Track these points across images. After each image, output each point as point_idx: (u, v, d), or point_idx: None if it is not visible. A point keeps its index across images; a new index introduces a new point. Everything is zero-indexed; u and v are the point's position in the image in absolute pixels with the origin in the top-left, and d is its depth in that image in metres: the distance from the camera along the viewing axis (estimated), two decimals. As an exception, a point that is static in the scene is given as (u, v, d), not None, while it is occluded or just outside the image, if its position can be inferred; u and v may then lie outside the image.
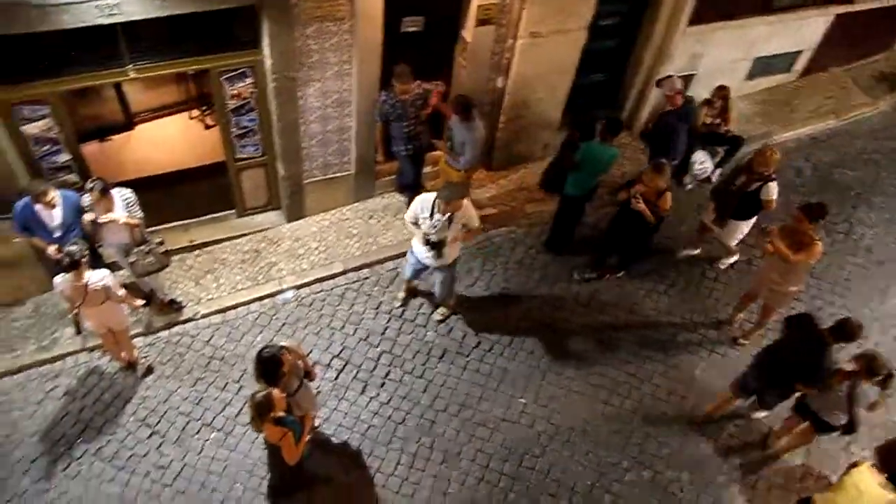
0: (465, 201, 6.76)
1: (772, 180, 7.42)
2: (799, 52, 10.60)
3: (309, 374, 6.14)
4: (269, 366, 5.50)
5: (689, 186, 9.48)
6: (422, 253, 7.19)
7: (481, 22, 7.77)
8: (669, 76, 8.44)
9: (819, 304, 8.45)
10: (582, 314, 8.22)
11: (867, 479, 5.56)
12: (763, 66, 10.42)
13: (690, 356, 7.94)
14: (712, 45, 9.60)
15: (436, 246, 6.95)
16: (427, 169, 8.77)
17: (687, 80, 9.73)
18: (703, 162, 9.37)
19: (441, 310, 8.04)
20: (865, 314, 8.25)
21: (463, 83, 8.29)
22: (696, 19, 9.04)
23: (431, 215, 6.76)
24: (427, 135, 8.14)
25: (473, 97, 7.79)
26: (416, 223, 6.96)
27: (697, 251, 8.85)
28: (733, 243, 8.35)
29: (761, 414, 7.39)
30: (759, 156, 7.36)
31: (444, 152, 8.08)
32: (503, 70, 8.37)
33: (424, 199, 6.79)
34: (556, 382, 7.63)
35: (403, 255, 8.40)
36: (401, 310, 8.11)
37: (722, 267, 8.72)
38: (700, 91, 9.56)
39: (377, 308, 8.11)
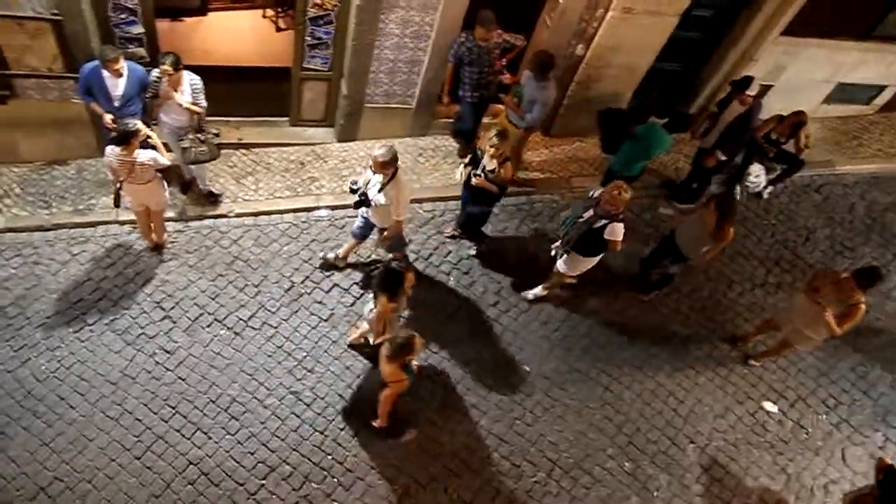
0: (401, 179, 6.60)
1: (619, 221, 6.72)
2: (884, 87, 10.25)
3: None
4: (395, 278, 5.87)
5: (739, 197, 9.30)
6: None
7: (578, -15, 7.55)
8: (751, 77, 8.16)
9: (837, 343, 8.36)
10: (602, 298, 8.17)
11: None
12: (844, 92, 10.09)
13: (698, 364, 7.92)
14: (799, 59, 9.28)
15: (362, 201, 6.76)
16: (486, 120, 8.63)
17: (763, 90, 9.46)
18: (757, 175, 9.15)
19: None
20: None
21: (542, 42, 8.09)
22: (791, 30, 8.73)
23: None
24: (495, 85, 8.01)
25: (550, 60, 7.62)
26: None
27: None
28: (572, 274, 7.50)
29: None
30: (606, 193, 6.61)
31: (510, 107, 7.92)
32: (586, 38, 8.16)
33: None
34: (563, 358, 7.66)
35: (444, 199, 8.50)
36: (428, 252, 8.10)
37: (529, 297, 7.98)
38: (773, 104, 9.29)
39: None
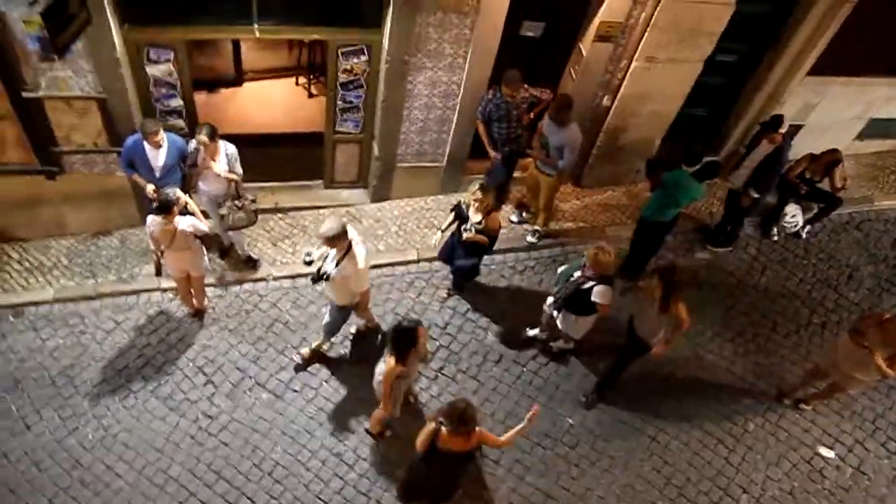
0: (356, 251, 6.21)
1: (605, 283, 6.44)
2: (918, 120, 10.14)
3: (424, 358, 6.15)
4: (404, 338, 5.58)
5: (776, 238, 9.21)
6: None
7: (600, 38, 7.69)
8: (781, 115, 8.13)
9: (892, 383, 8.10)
10: (644, 346, 8.06)
11: None
12: (879, 127, 9.99)
13: (747, 410, 7.71)
14: (828, 97, 9.26)
15: (319, 276, 6.45)
16: (517, 174, 8.71)
17: (794, 129, 9.44)
18: (794, 215, 9.11)
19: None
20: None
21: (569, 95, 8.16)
22: (817, 69, 8.72)
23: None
24: (525, 139, 8.09)
25: (576, 110, 7.65)
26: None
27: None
28: (569, 333, 7.26)
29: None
30: (589, 254, 6.43)
31: (539, 158, 7.96)
32: (612, 89, 8.27)
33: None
34: (605, 409, 7.52)
35: None
36: (465, 308, 8.09)
37: (555, 349, 7.84)
38: (806, 142, 9.25)
39: (443, 302, 8.12)
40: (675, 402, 7.65)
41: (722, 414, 7.64)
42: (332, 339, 7.44)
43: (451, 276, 8.04)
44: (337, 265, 6.23)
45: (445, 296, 8.15)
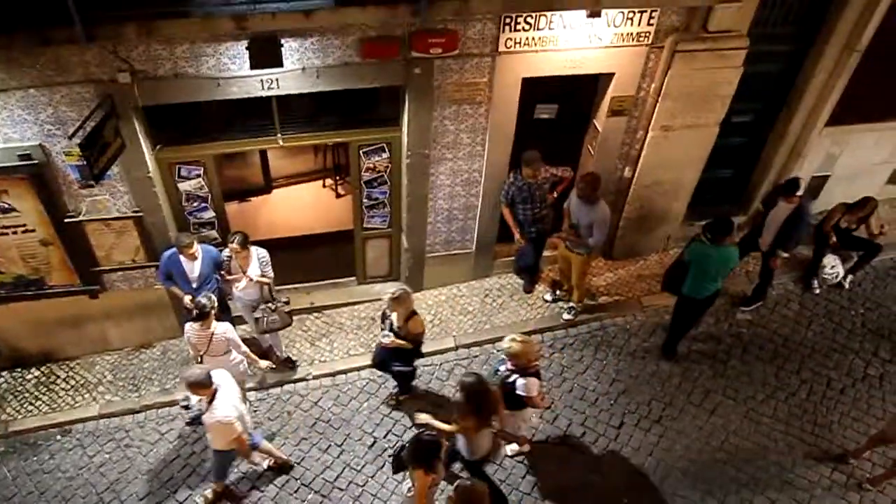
0: (215, 406, 5.97)
1: (531, 374, 6.12)
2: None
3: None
4: (428, 450, 5.41)
5: (818, 290, 9.01)
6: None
7: (614, 113, 7.84)
8: (797, 179, 8.11)
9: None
10: (693, 414, 7.81)
11: None
12: (909, 169, 9.90)
13: (805, 483, 7.25)
14: (851, 146, 9.21)
15: (194, 419, 6.34)
16: (547, 253, 8.78)
17: (821, 180, 9.39)
18: (833, 266, 8.91)
19: None
20: None
21: (589, 169, 8.26)
22: (837, 119, 8.73)
23: None
24: (551, 219, 8.17)
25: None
26: None
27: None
28: (516, 431, 6.90)
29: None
30: (504, 346, 6.18)
31: (570, 239, 8.00)
32: (631, 160, 8.37)
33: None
34: (660, 485, 7.21)
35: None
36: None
37: (509, 454, 7.42)
38: (837, 191, 9.18)
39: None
40: (732, 472, 7.32)
41: (785, 480, 7.28)
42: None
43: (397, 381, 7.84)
44: (205, 412, 6.09)
45: (395, 402, 7.93)
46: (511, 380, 6.21)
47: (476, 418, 5.86)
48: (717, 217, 7.34)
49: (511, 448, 7.34)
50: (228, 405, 6.06)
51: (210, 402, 6.02)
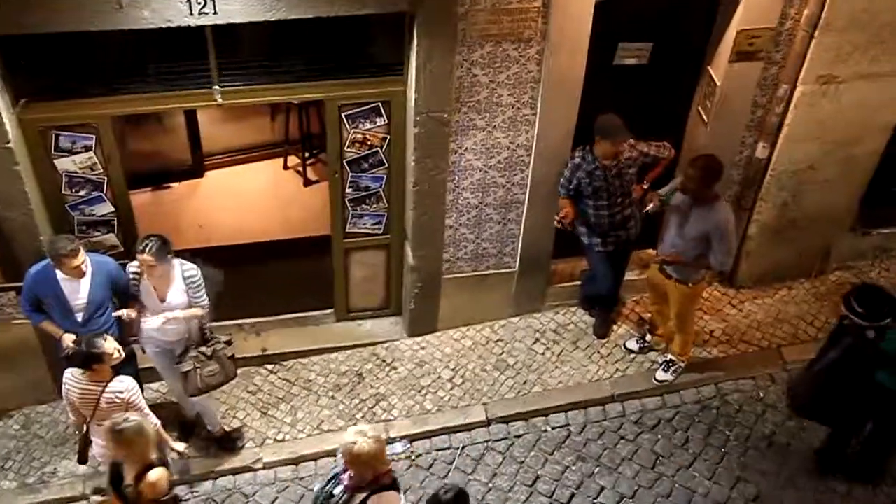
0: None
1: (388, 488, 5.91)
2: None
3: None
4: None
5: None
6: None
7: (741, 56, 7.78)
8: None
9: None
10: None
11: None
12: None
13: None
14: None
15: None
16: (632, 276, 8.74)
17: None
18: None
19: None
20: None
21: (701, 147, 8.23)
22: None
23: None
24: (639, 222, 8.16)
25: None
26: None
27: None
28: None
29: None
30: (342, 448, 5.93)
31: (671, 259, 7.87)
32: (768, 131, 8.30)
33: None
34: None
35: (579, 405, 8.48)
36: (569, 490, 7.91)
37: None
38: None
39: (531, 486, 7.95)
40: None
41: None
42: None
43: None
44: None
45: None
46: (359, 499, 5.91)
47: None
48: None
49: None
50: None
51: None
